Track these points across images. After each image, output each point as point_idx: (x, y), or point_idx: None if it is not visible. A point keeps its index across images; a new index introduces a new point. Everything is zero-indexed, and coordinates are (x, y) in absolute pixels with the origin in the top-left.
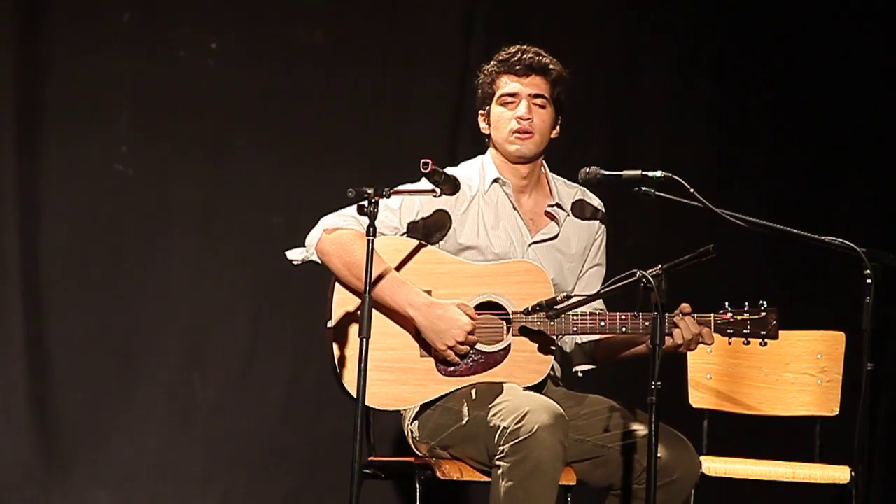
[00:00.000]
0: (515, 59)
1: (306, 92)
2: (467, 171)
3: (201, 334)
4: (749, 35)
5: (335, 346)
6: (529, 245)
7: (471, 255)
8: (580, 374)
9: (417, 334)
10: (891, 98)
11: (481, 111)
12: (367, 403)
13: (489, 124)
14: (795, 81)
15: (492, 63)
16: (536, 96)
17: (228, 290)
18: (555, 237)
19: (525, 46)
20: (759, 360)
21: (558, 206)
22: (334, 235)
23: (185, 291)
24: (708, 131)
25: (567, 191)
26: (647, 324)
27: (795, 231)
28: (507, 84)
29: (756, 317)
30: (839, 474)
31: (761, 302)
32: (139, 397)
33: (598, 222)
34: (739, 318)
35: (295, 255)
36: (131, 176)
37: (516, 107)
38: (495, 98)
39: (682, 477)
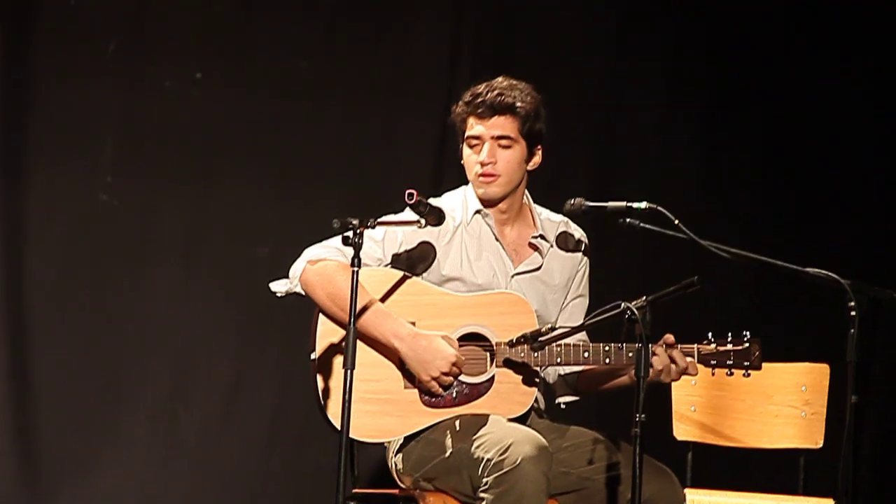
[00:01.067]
0: (479, 100)
1: (291, 122)
2: (450, 203)
3: (185, 365)
4: (734, 66)
5: (319, 378)
6: (512, 276)
7: (454, 287)
8: (563, 406)
9: (402, 365)
10: (875, 131)
11: (460, 146)
12: (351, 435)
13: (461, 159)
14: (780, 113)
15: (461, 101)
16: (500, 137)
17: (213, 320)
18: (538, 268)
19: (493, 83)
20: (743, 392)
21: (541, 237)
22: (318, 267)
23: (170, 322)
24: (693, 163)
25: (551, 222)
26: (630, 355)
27: (779, 263)
28: (472, 126)
29: (739, 348)
30: None
31: (745, 333)
32: (123, 427)
33: (580, 254)
34: (723, 348)
35: (279, 286)
36: (116, 206)
37: (480, 150)
38: (463, 139)
39: None
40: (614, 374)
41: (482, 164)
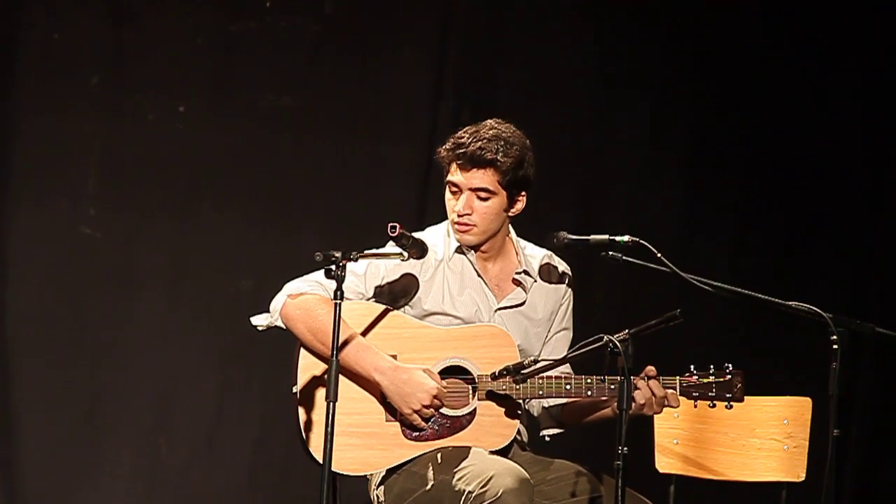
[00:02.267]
0: (460, 150)
1: (274, 155)
2: (433, 238)
3: (168, 397)
4: (718, 99)
5: (301, 411)
6: (496, 311)
7: (436, 321)
8: (548, 439)
9: (383, 399)
10: (858, 164)
11: (445, 182)
12: (333, 469)
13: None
14: (763, 146)
15: (446, 144)
16: (479, 189)
17: (195, 353)
18: (521, 304)
19: (479, 131)
20: (725, 425)
21: (525, 272)
22: (298, 301)
23: (152, 354)
24: (676, 196)
25: (534, 256)
26: (612, 387)
27: (762, 296)
28: (454, 173)
29: (722, 380)
30: None
31: (727, 365)
32: (105, 461)
33: (564, 286)
34: (705, 380)
35: (260, 320)
36: (99, 239)
37: (458, 198)
38: (445, 182)
39: None
40: (598, 406)
41: (458, 214)
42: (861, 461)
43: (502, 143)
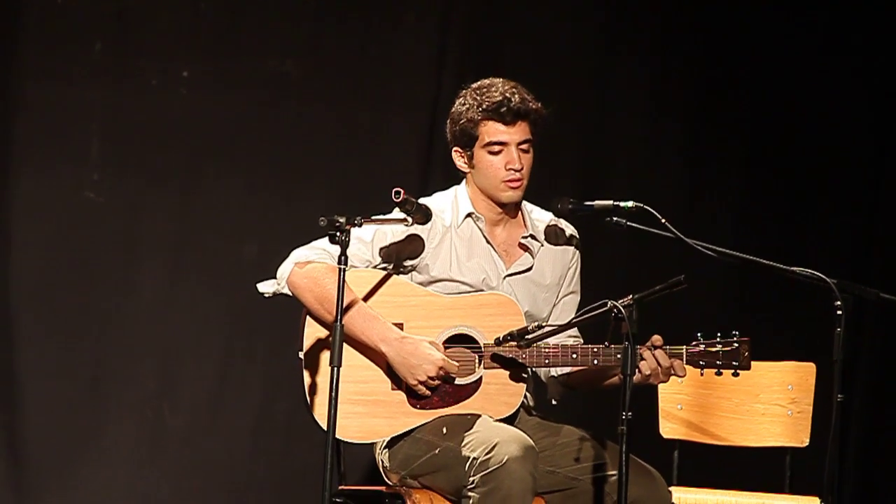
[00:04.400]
0: (504, 108)
1: (278, 121)
2: (440, 203)
3: (172, 363)
4: (721, 65)
5: (306, 378)
6: (504, 278)
7: (443, 287)
8: (555, 403)
9: (389, 368)
10: (863, 130)
11: (459, 149)
12: (338, 436)
13: (470, 166)
14: (767, 113)
15: (473, 104)
16: (523, 142)
17: (199, 318)
18: (529, 269)
19: (507, 89)
20: (729, 390)
21: (532, 237)
22: (306, 269)
23: (156, 319)
24: (680, 162)
25: (541, 220)
26: (618, 355)
27: (766, 262)
28: (495, 132)
29: (728, 348)
30: None
31: (734, 332)
32: (109, 426)
33: (572, 249)
34: (712, 349)
35: (266, 287)
36: (102, 204)
37: (506, 155)
38: (481, 144)
39: None
40: (606, 374)
41: (512, 171)
42: (865, 426)
43: (527, 93)
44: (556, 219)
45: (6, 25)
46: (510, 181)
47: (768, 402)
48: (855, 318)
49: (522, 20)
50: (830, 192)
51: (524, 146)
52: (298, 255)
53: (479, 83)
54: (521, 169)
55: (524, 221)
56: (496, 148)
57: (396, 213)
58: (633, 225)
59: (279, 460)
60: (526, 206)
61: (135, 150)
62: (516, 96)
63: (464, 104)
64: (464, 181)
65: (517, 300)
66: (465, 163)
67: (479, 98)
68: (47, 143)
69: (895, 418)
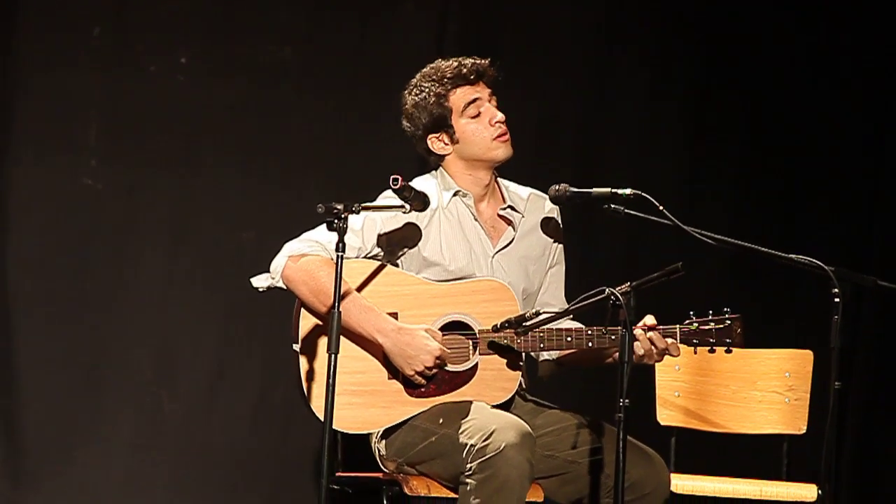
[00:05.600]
0: (464, 69)
1: (276, 107)
2: (424, 188)
3: (169, 349)
4: (719, 53)
5: (302, 370)
6: (493, 256)
7: (434, 272)
8: (545, 379)
9: (385, 358)
10: (860, 118)
11: (434, 135)
12: (335, 427)
13: (454, 141)
14: (765, 100)
15: (431, 86)
16: (492, 97)
17: (197, 304)
18: (513, 241)
19: (453, 60)
20: (727, 377)
21: (511, 208)
22: (300, 263)
23: (154, 306)
24: (677, 149)
25: (517, 193)
26: (613, 338)
27: (763, 249)
28: (466, 95)
29: (721, 325)
30: (806, 492)
31: (725, 310)
32: (107, 412)
33: (554, 219)
34: (704, 327)
35: (260, 281)
36: (100, 190)
37: (487, 112)
38: (458, 113)
39: (654, 492)
40: (598, 355)
41: (498, 124)
42: (862, 413)
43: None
44: (534, 193)
45: (4, 10)
46: (500, 136)
47: (766, 390)
48: (852, 305)
49: (521, 7)
50: (829, 180)
51: (494, 102)
52: (291, 248)
53: (423, 72)
54: (505, 120)
55: (501, 195)
56: (474, 110)
57: (394, 200)
58: (631, 212)
59: (277, 447)
60: (501, 181)
61: (133, 137)
62: (466, 60)
63: (419, 92)
64: (440, 167)
65: (509, 277)
66: (447, 142)
67: (434, 78)
68: (45, 129)
69: (892, 406)
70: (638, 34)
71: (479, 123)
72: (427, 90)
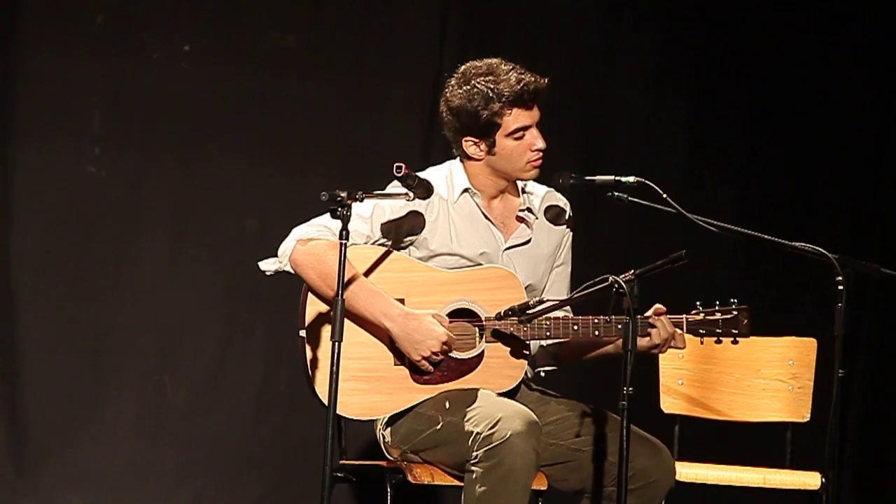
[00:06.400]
0: (525, 94)
1: (280, 95)
2: (435, 178)
3: (173, 336)
4: (723, 42)
5: (308, 355)
6: (504, 251)
7: (443, 262)
8: (543, 374)
9: (391, 343)
10: (864, 105)
11: (473, 138)
12: (340, 413)
13: (490, 153)
14: (769, 88)
15: (489, 94)
16: (538, 122)
17: (200, 292)
18: (528, 241)
19: (518, 74)
20: (730, 365)
21: (528, 210)
22: (308, 247)
23: (157, 293)
24: (681, 137)
25: (534, 193)
26: (619, 327)
27: (767, 237)
28: (520, 119)
29: (727, 316)
30: (810, 480)
31: (732, 300)
32: (110, 399)
33: (566, 221)
34: (711, 317)
35: (268, 265)
36: (104, 178)
37: (530, 137)
38: (505, 133)
39: (659, 480)
40: (599, 344)
41: (537, 151)
42: (866, 401)
43: (529, 71)
44: (549, 191)
45: None
46: (534, 161)
47: (769, 378)
48: (856, 293)
49: None
50: (832, 167)
51: (538, 125)
52: (300, 232)
53: (479, 69)
54: (544, 148)
55: (519, 195)
56: (521, 134)
57: (398, 188)
58: (635, 200)
59: (280, 434)
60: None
61: (136, 125)
62: (529, 78)
63: (471, 91)
64: (459, 159)
65: (518, 272)
66: (483, 151)
67: (494, 87)
68: (49, 117)
69: None
70: (641, 23)
71: (521, 145)
72: (481, 96)
